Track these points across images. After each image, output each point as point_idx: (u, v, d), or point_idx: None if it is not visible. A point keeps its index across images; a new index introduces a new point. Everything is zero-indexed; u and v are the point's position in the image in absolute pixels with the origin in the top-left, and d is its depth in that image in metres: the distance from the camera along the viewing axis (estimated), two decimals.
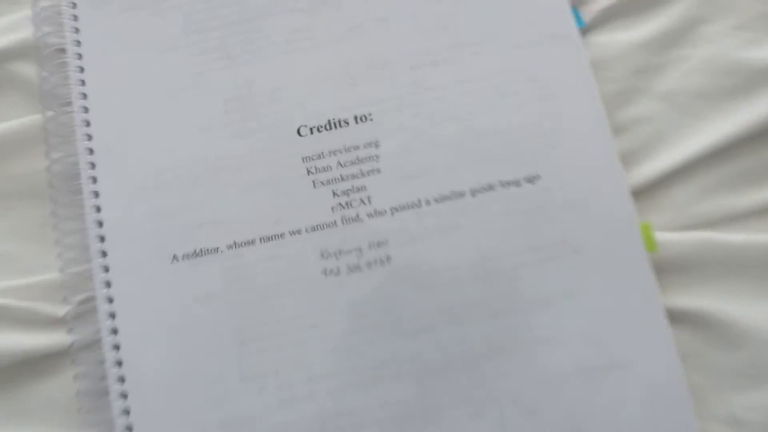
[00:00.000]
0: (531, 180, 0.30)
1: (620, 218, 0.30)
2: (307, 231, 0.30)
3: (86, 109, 0.33)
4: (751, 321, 0.29)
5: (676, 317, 0.29)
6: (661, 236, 0.30)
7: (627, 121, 0.32)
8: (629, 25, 0.33)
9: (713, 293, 0.30)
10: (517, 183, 0.30)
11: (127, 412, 0.29)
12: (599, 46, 0.33)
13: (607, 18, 0.33)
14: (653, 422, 0.28)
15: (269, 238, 0.30)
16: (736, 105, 0.31)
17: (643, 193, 0.31)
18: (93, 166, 0.32)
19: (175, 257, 0.30)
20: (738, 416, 0.28)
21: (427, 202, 0.30)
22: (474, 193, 0.30)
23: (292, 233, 0.30)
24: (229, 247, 0.30)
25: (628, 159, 0.31)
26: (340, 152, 0.31)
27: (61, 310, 0.31)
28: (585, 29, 0.33)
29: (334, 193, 0.30)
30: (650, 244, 0.30)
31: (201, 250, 0.30)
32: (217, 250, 0.30)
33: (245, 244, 0.30)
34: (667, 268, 0.30)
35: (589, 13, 0.33)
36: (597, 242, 0.29)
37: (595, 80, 0.32)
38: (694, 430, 0.28)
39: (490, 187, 0.30)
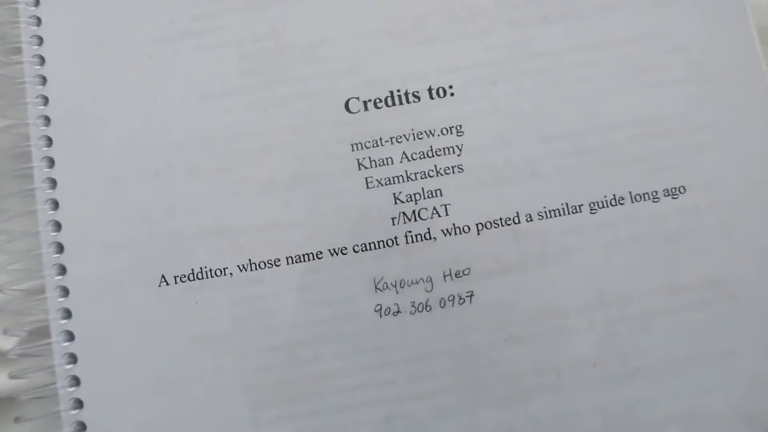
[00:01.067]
0: (674, 193, 0.21)
1: None
2: (355, 251, 0.21)
3: (42, 59, 0.23)
4: None
5: None
6: None
7: None
8: None
9: None
10: (654, 197, 0.21)
11: None
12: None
13: None
14: None
15: (300, 259, 0.21)
16: None
17: None
18: (49, 141, 0.22)
19: (164, 279, 0.21)
20: None
21: (528, 218, 0.21)
22: (594, 208, 0.21)
23: (333, 253, 0.21)
24: (242, 268, 0.21)
25: None
26: (407, 139, 0.22)
27: (4, 344, 0.22)
28: None
29: (396, 198, 0.21)
30: None
31: (201, 272, 0.21)
32: (224, 271, 0.21)
33: (265, 265, 0.21)
34: None
35: None
36: (760, 284, 0.21)
37: (764, 56, 0.23)
38: None
39: (618, 202, 0.21)
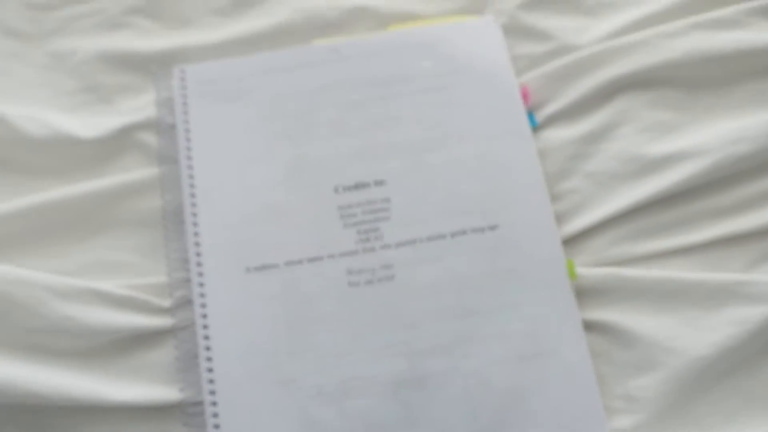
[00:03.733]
0: (492, 228, 0.44)
1: (553, 255, 0.44)
2: (339, 256, 0.44)
3: (191, 167, 0.47)
4: (642, 330, 0.42)
5: (590, 326, 0.43)
6: (582, 271, 0.44)
7: (563, 192, 0.46)
8: (568, 125, 0.48)
9: (617, 310, 0.43)
10: (482, 230, 0.44)
11: (210, 369, 0.42)
12: (547, 140, 0.48)
13: (553, 120, 0.48)
14: (569, 397, 0.41)
15: (312, 260, 0.44)
16: (637, 183, 0.45)
17: (570, 241, 0.45)
18: (194, 205, 0.46)
19: (248, 269, 0.44)
20: (632, 394, 0.41)
21: (421, 241, 0.44)
22: (453, 235, 0.44)
23: (329, 257, 0.44)
24: (286, 264, 0.44)
25: (562, 217, 0.46)
26: (363, 204, 0.45)
27: (166, 302, 0.45)
28: (537, 127, 0.48)
29: (358, 232, 0.45)
30: (572, 274, 0.43)
31: (266, 265, 0.44)
32: (277, 265, 0.44)
33: (296, 262, 0.44)
34: (586, 293, 0.44)
35: (540, 116, 0.48)
36: (536, 271, 0.43)
37: (540, 163, 0.46)
38: (598, 403, 0.41)
39: (464, 232, 0.44)
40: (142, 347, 0.44)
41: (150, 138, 0.49)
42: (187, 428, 0.42)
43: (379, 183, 0.46)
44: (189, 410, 0.42)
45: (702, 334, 0.42)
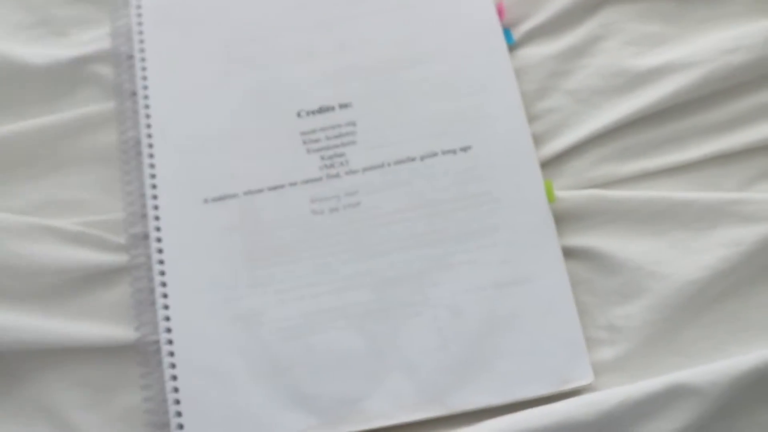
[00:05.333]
0: (465, 149, 0.41)
1: (530, 177, 0.41)
2: (301, 183, 0.41)
3: (146, 97, 0.44)
4: (626, 254, 0.39)
5: (570, 253, 0.40)
6: (561, 194, 0.41)
7: (541, 111, 0.43)
8: (547, 42, 0.44)
9: (598, 235, 0.40)
10: (454, 151, 0.41)
11: (166, 307, 0.40)
12: (524, 57, 0.44)
13: (531, 36, 0.45)
14: (547, 327, 0.38)
15: (274, 188, 0.41)
16: (622, 99, 0.42)
17: (550, 163, 0.42)
18: (150, 136, 0.43)
19: (205, 200, 0.42)
20: (615, 324, 0.38)
21: (389, 164, 0.41)
22: (423, 158, 0.41)
23: (291, 185, 0.41)
24: (245, 193, 0.41)
25: (541, 138, 0.42)
26: (327, 129, 0.42)
27: (122, 239, 0.42)
28: (513, 45, 0.44)
29: (322, 158, 0.42)
30: (550, 196, 0.40)
31: (224, 195, 0.42)
32: (236, 195, 0.41)
33: (256, 191, 0.41)
34: (565, 217, 0.41)
35: (517, 32, 0.45)
36: (512, 194, 0.40)
37: (517, 81, 0.43)
38: (579, 334, 0.38)
39: (434, 154, 0.41)
40: (98, 286, 0.41)
41: (106, 70, 0.46)
42: (143, 368, 0.40)
43: (345, 106, 0.43)
44: (145, 350, 0.40)
45: (691, 257, 0.38)
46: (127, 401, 0.39)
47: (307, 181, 0.41)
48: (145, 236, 0.42)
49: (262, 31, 0.46)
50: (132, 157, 0.44)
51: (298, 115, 0.43)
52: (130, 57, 0.46)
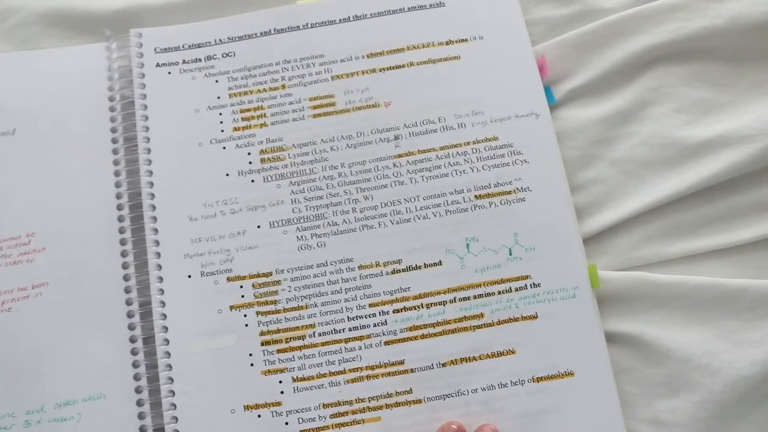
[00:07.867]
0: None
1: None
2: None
3: (148, 150, 0.40)
4: (672, 343, 0.36)
5: (613, 338, 0.37)
6: (605, 274, 0.38)
7: (584, 182, 0.40)
8: (591, 104, 0.41)
9: (643, 321, 0.37)
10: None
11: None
12: (566, 120, 0.41)
13: (573, 97, 0.42)
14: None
15: None
16: (671, 173, 0.39)
17: (592, 239, 0.39)
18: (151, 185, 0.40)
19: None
20: (660, 418, 0.36)
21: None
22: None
23: None
24: None
25: (583, 212, 0.39)
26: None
27: None
28: (555, 105, 0.41)
29: None
30: (594, 281, 0.37)
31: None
32: None
33: None
34: (609, 300, 0.38)
35: (558, 92, 0.42)
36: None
37: (559, 148, 0.40)
38: (621, 428, 0.35)
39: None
40: None
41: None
42: None
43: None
44: None
45: (744, 349, 0.36)
46: None
47: None
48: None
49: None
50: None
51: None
52: (131, 102, 0.42)
